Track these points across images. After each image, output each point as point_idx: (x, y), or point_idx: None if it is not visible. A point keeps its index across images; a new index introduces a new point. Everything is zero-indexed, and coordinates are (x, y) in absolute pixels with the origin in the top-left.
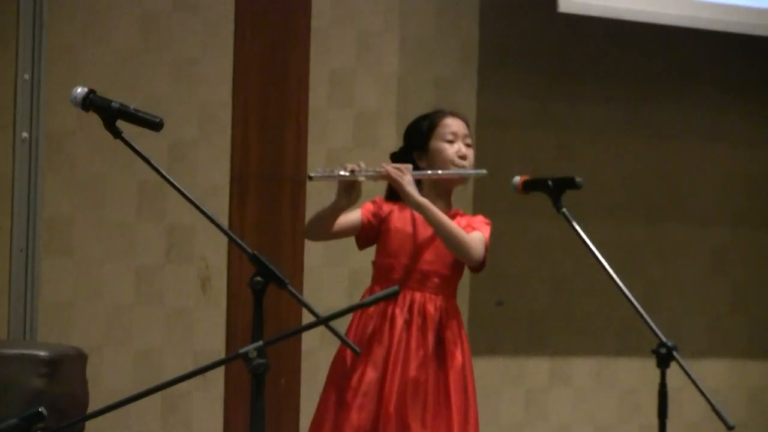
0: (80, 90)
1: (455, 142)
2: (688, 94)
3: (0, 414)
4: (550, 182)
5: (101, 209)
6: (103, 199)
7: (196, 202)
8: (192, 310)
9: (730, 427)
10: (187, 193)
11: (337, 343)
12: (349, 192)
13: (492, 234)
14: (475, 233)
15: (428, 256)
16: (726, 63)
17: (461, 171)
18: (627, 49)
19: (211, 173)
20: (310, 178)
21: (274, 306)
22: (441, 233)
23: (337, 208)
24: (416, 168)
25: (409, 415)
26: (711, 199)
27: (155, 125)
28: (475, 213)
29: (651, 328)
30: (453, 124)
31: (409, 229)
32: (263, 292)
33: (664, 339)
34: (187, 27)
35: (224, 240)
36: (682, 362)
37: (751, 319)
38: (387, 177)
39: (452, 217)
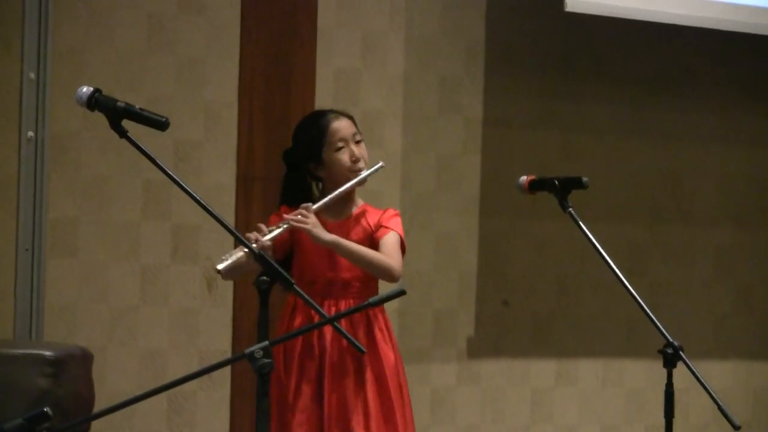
0: (86, 89)
1: (346, 146)
2: (692, 94)
3: (5, 414)
4: (556, 182)
5: (106, 209)
6: (108, 199)
7: (202, 201)
8: (198, 310)
9: (736, 428)
10: (193, 193)
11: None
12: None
13: (498, 234)
14: (389, 237)
15: (346, 263)
16: (731, 63)
17: (358, 179)
18: (632, 49)
19: (217, 173)
20: (218, 271)
21: (280, 306)
22: (359, 264)
23: (253, 267)
24: (314, 177)
25: (353, 427)
26: (715, 199)
27: (161, 125)
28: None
29: (658, 328)
30: (340, 129)
31: None
32: (269, 292)
33: (670, 339)
34: (192, 27)
35: (230, 240)
36: (689, 362)
37: (756, 320)
38: (293, 228)
39: (361, 214)
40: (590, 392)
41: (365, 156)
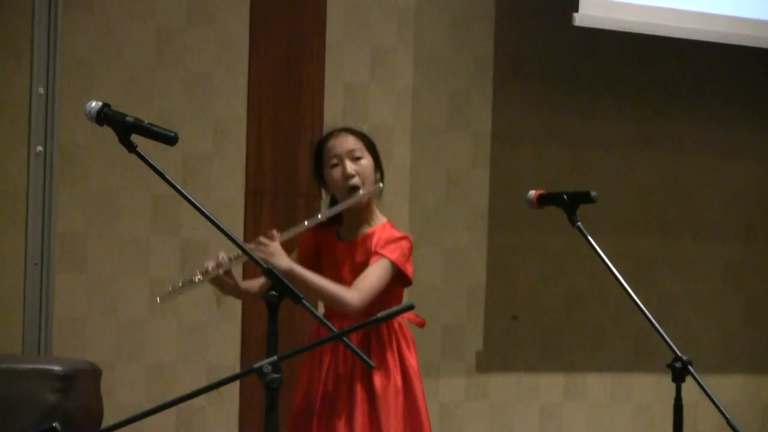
0: (94, 104)
1: (339, 164)
2: (701, 107)
3: (15, 429)
4: (565, 196)
5: (115, 223)
6: (117, 213)
7: (211, 216)
8: (206, 324)
9: None
10: (201, 207)
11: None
12: (221, 286)
13: (507, 248)
14: (372, 266)
15: (346, 280)
16: (739, 76)
17: (343, 205)
18: (641, 63)
19: (226, 188)
20: (160, 300)
21: (289, 320)
22: (314, 294)
23: (233, 296)
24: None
25: None
26: (724, 213)
27: (170, 139)
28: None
29: (666, 342)
30: (335, 146)
31: (333, 254)
32: (278, 306)
33: (679, 353)
34: (201, 41)
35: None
36: (697, 376)
37: (766, 333)
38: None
39: (369, 236)
40: (599, 406)
41: (363, 172)
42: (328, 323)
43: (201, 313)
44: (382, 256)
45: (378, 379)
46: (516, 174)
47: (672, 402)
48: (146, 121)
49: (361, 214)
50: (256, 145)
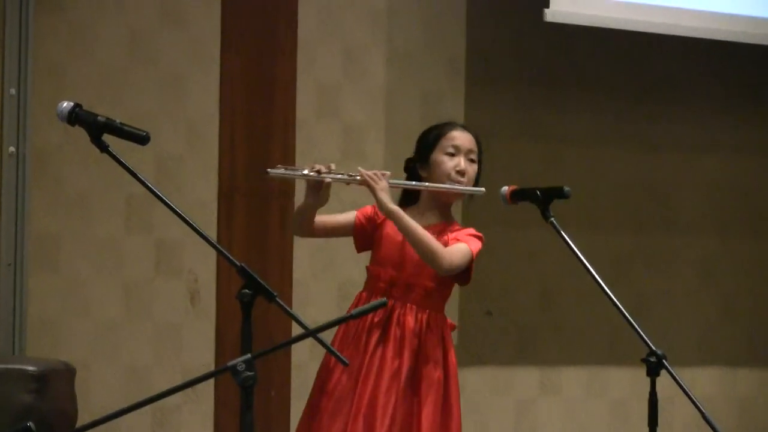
0: (66, 104)
1: (456, 155)
2: (675, 103)
3: None
4: (538, 192)
5: (89, 224)
6: (90, 213)
7: (184, 216)
8: (181, 324)
9: None
10: (174, 206)
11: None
12: (315, 191)
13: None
14: (458, 245)
15: (413, 267)
16: (712, 72)
17: (453, 186)
18: (614, 60)
19: (199, 187)
20: (267, 173)
21: (263, 319)
22: (410, 240)
23: (307, 206)
24: (414, 177)
25: (376, 428)
26: (699, 209)
27: (141, 139)
28: (463, 224)
29: (641, 336)
30: (458, 137)
31: (399, 237)
32: (251, 305)
33: (653, 348)
34: (173, 42)
35: (212, 253)
36: (672, 370)
37: (741, 328)
38: (361, 182)
39: (443, 229)
40: (574, 402)
41: (472, 175)
42: (301, 320)
43: (176, 313)
44: (464, 243)
45: (424, 368)
46: (490, 171)
47: (647, 397)
48: (118, 121)
49: (441, 207)
50: (229, 145)
